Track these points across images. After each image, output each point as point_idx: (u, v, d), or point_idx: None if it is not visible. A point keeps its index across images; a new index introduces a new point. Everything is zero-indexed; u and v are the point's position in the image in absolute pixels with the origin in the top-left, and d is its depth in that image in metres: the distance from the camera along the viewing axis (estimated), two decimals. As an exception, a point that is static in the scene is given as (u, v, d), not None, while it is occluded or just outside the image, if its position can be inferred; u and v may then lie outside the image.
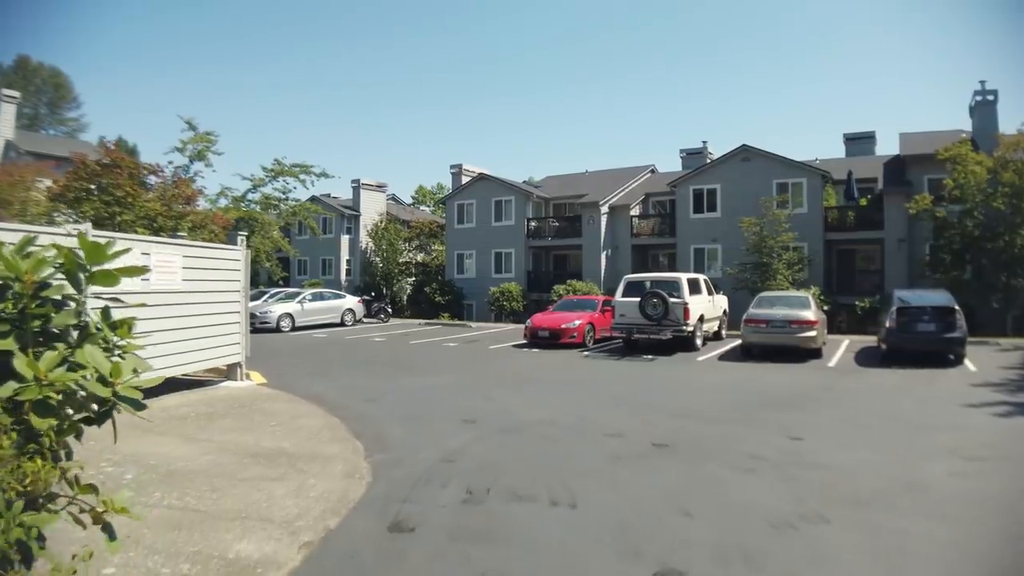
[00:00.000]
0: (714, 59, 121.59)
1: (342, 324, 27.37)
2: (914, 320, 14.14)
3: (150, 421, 5.88)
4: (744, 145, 28.42)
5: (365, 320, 29.45)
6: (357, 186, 43.41)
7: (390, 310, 31.19)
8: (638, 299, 16.69)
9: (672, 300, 16.24)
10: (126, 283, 2.85)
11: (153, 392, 3.31)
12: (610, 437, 7.72)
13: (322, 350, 18.67)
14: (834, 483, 5.94)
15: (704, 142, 36.18)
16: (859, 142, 32.55)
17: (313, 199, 39.74)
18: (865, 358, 15.36)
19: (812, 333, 14.81)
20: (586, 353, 17.07)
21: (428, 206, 62.48)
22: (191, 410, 9.08)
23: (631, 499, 5.55)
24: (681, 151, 37.07)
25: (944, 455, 6.91)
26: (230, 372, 11.76)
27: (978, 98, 25.84)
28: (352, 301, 28.72)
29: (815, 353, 15.24)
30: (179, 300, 9.77)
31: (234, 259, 11.47)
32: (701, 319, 17.25)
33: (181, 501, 5.31)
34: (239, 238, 11.98)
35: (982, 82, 25.66)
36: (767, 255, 24.44)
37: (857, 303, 23.96)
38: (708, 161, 31.69)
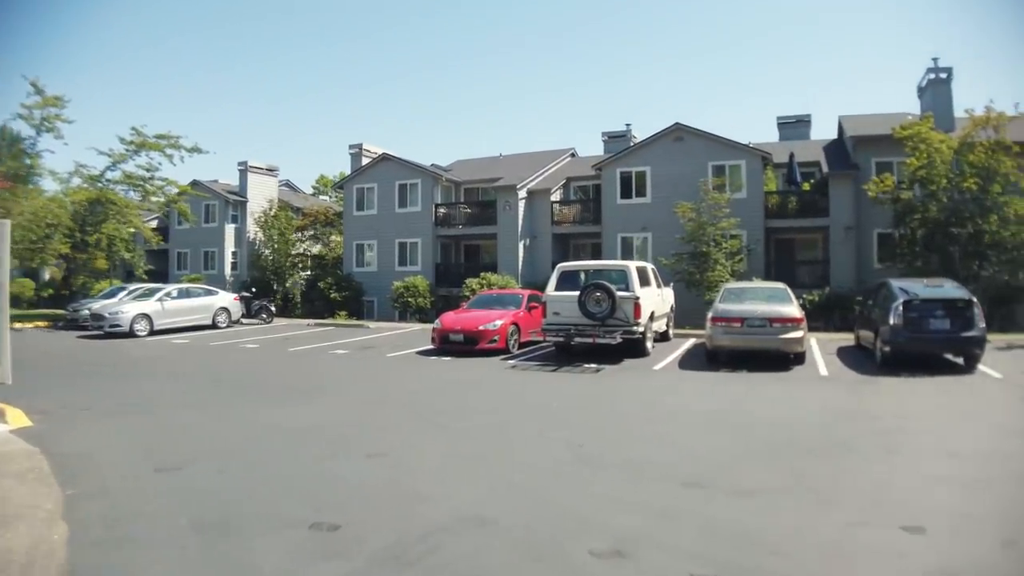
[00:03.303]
0: (636, 38, 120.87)
1: (214, 326, 22.60)
2: (925, 316, 11.26)
3: None
4: (677, 123, 25.51)
5: (244, 321, 24.69)
6: (244, 169, 38.15)
7: (273, 309, 26.43)
8: (576, 293, 13.13)
9: (620, 294, 12.76)
10: None
11: None
12: (607, 561, 3.93)
13: (169, 363, 14.26)
14: None
15: (628, 125, 33.29)
16: (794, 126, 30.39)
17: (194, 183, 34.57)
18: (856, 362, 12.43)
19: (798, 334, 11.69)
20: (512, 362, 13.35)
21: (329, 196, 57.09)
22: None
23: None
24: (603, 134, 33.99)
25: None
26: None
27: (931, 76, 23.92)
28: (227, 299, 23.87)
29: (799, 358, 12.15)
30: None
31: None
32: (651, 317, 13.89)
33: None
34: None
35: (935, 59, 23.81)
36: (706, 243, 21.60)
37: (806, 297, 21.38)
38: (632, 144, 28.65)
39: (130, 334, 19.60)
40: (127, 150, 27.32)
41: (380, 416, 8.27)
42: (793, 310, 11.92)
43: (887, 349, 11.56)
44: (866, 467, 5.95)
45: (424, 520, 4.50)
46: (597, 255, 26.26)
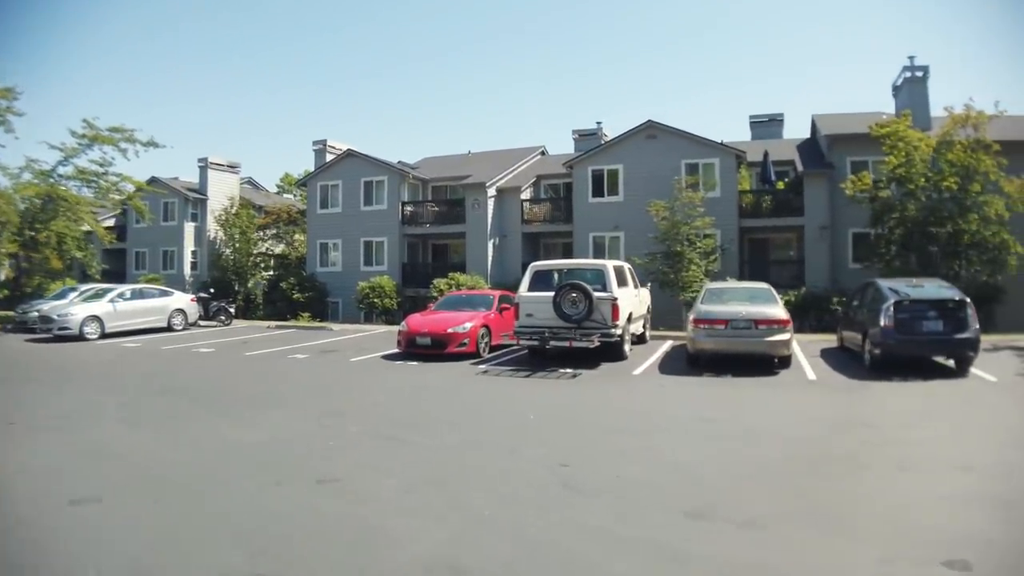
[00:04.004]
0: (607, 36, 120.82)
1: (169, 329, 21.36)
2: (917, 318, 10.78)
3: None
4: (650, 121, 24.95)
5: (202, 323, 23.48)
6: (204, 166, 36.68)
7: (232, 311, 25.22)
8: (550, 294, 12.39)
9: (597, 295, 12.05)
10: None
11: None
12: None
13: (115, 369, 13.27)
14: None
15: (598, 123, 32.74)
16: (766, 125, 30.08)
17: (153, 180, 33.14)
18: (843, 365, 11.91)
19: (785, 336, 11.12)
20: (482, 367, 12.56)
21: (294, 195, 55.49)
22: None
23: None
24: (574, 132, 33.45)
25: None
26: None
27: (907, 74, 23.68)
28: (183, 300, 22.63)
29: (784, 362, 11.58)
30: None
31: None
32: (629, 319, 13.22)
33: None
34: None
35: (911, 58, 23.56)
36: (680, 243, 21.07)
37: (781, 297, 20.97)
38: (604, 142, 28.04)
39: (80, 337, 18.41)
40: (79, 144, 26.02)
41: (337, 431, 7.39)
42: (779, 311, 11.35)
43: (877, 352, 11.05)
44: (879, 486, 5.33)
45: (382, 570, 3.71)
46: (568, 255, 25.59)
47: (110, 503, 4.98)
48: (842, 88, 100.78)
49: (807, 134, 28.10)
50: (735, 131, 58.72)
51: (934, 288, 11.60)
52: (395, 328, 16.88)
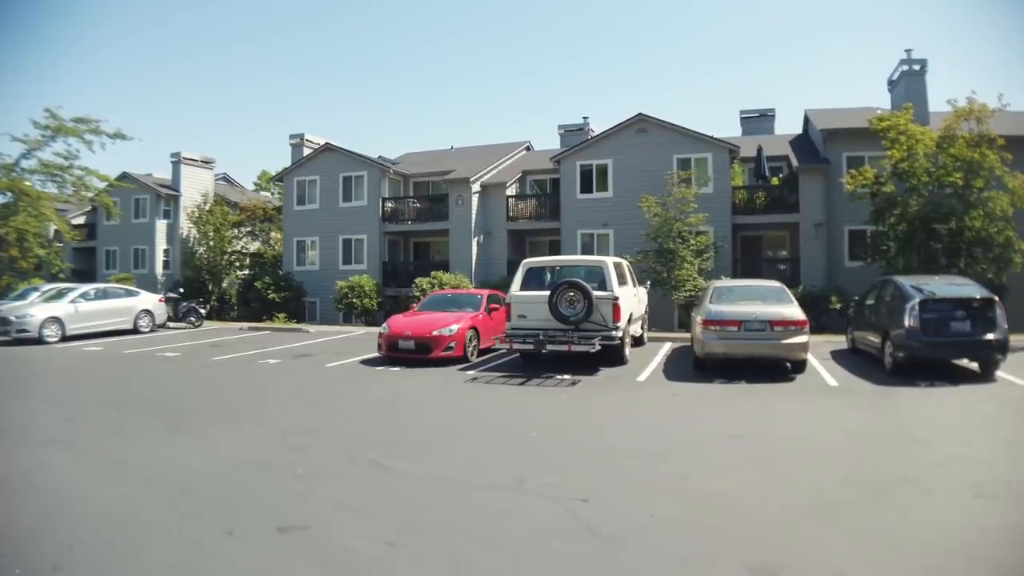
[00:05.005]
0: (593, 29, 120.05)
1: (136, 331, 20.14)
2: (945, 318, 9.96)
3: None
4: (640, 114, 24.04)
5: (171, 325, 22.22)
6: (177, 161, 35.06)
7: (203, 311, 23.91)
8: (545, 293, 11.39)
9: (597, 295, 11.07)
10: None
11: None
12: None
13: (69, 376, 12.22)
14: None
15: (585, 118, 31.76)
16: (757, 120, 29.34)
17: (124, 176, 31.68)
18: (860, 369, 11.08)
19: (803, 338, 10.21)
20: (471, 373, 11.52)
21: (271, 192, 53.89)
22: None
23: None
24: (559, 127, 32.27)
25: None
26: None
27: (904, 68, 22.94)
28: (150, 300, 21.35)
29: (798, 366, 10.67)
30: None
31: None
32: (629, 320, 12.27)
33: None
34: None
35: (908, 51, 22.81)
36: (673, 240, 20.21)
37: (782, 297, 20.21)
38: (591, 137, 27.09)
39: (39, 340, 17.16)
40: (43, 136, 24.66)
41: (306, 456, 6.30)
42: (796, 311, 10.42)
43: (900, 355, 10.19)
44: (960, 518, 4.46)
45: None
46: (555, 253, 24.65)
47: (10, 559, 3.89)
48: (830, 85, 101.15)
49: (797, 130, 27.45)
50: (724, 127, 58.17)
51: (960, 286, 10.80)
52: (375, 330, 15.80)
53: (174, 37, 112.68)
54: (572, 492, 4.96)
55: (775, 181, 23.93)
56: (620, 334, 11.31)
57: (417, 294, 22.38)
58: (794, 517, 4.52)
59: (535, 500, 4.87)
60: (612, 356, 11.54)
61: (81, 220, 36.39)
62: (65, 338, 17.77)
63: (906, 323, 9.98)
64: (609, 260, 12.09)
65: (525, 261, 12.86)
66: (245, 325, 23.36)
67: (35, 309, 18.10)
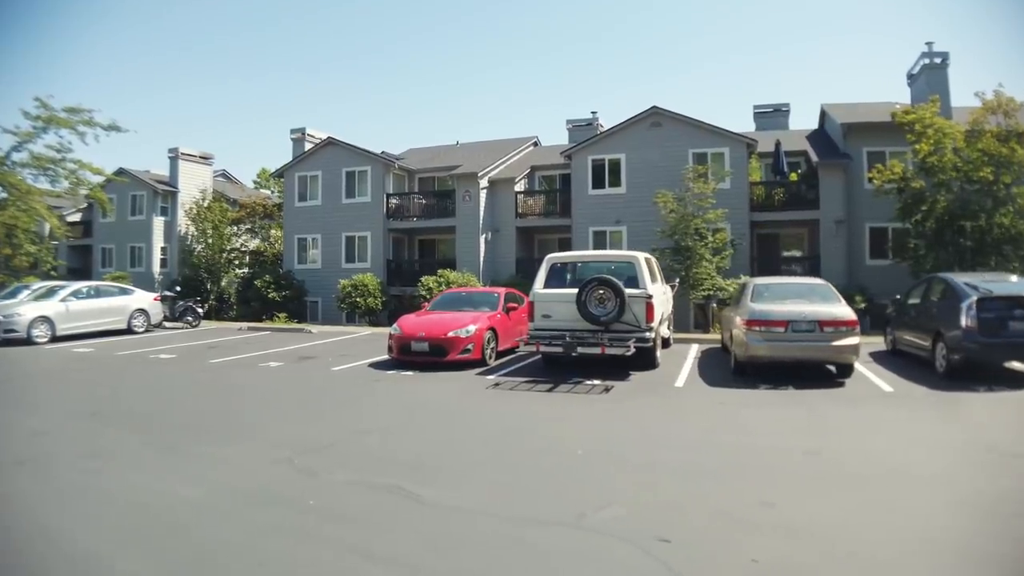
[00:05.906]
0: (602, 23, 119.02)
1: (130, 331, 19.32)
2: (1004, 317, 9.24)
3: None
4: (654, 107, 23.26)
5: (168, 325, 21.38)
6: (175, 156, 34.37)
7: (200, 311, 23.05)
8: (572, 291, 10.57)
9: (630, 293, 10.24)
10: None
11: None
12: None
13: (53, 381, 11.46)
14: None
15: (594, 112, 31.04)
16: (771, 115, 28.49)
17: (121, 171, 30.82)
18: (910, 372, 10.31)
19: (854, 340, 9.43)
20: (492, 378, 10.68)
21: (272, 190, 52.95)
22: None
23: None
24: (568, 122, 31.52)
25: None
26: None
27: (924, 61, 22.13)
28: (144, 299, 20.50)
29: (845, 370, 9.86)
30: None
31: None
32: (661, 320, 11.43)
33: None
34: None
35: (929, 44, 22.00)
36: (690, 237, 19.42)
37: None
38: (602, 131, 26.27)
39: (27, 341, 16.37)
40: (34, 127, 23.81)
41: (317, 481, 5.41)
42: (847, 311, 9.62)
43: (955, 357, 9.42)
44: None
45: None
46: (566, 250, 23.83)
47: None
48: (844, 80, 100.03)
49: (810, 126, 26.68)
50: (737, 123, 57.13)
51: (1013, 283, 10.07)
52: (380, 330, 15.00)
53: (171, 30, 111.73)
54: (646, 528, 4.13)
55: (794, 177, 23.19)
56: (653, 335, 10.50)
57: (423, 293, 21.62)
58: (915, 556, 3.73)
59: (605, 540, 4.02)
60: (643, 359, 10.74)
61: (77, 217, 35.66)
62: (55, 338, 16.98)
63: (963, 323, 9.23)
64: (640, 256, 11.26)
65: (549, 256, 11.98)
66: (244, 325, 22.53)
67: (24, 308, 17.28)
